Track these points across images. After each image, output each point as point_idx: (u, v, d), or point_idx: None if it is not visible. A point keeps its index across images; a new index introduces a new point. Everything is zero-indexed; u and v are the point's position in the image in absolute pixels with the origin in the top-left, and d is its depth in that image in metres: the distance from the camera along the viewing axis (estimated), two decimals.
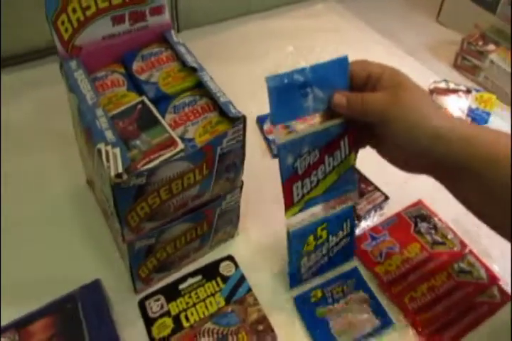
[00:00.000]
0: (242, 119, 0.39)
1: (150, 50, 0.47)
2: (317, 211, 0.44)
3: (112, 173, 0.34)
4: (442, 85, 0.77)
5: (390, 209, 0.58)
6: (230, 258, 0.50)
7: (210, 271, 0.48)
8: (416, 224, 0.55)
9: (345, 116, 0.39)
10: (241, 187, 0.47)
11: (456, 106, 0.73)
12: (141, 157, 0.37)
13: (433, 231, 0.54)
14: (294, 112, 0.38)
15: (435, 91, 0.76)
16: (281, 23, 0.90)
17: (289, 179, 0.39)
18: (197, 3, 0.86)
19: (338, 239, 0.46)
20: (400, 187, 0.59)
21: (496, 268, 0.52)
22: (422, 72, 0.81)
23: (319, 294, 0.46)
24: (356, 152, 0.43)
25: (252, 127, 0.67)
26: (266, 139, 0.65)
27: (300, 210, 0.41)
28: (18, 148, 0.61)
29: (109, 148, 0.36)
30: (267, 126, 0.66)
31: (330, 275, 0.49)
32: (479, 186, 0.36)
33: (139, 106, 0.42)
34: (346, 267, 0.50)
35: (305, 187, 0.40)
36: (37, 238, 0.52)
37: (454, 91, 0.76)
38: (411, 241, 0.53)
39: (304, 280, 0.47)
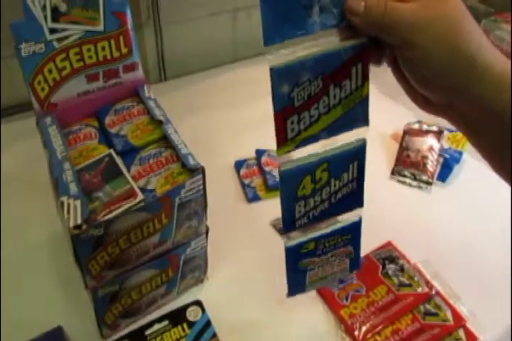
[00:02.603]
0: (201, 170, 0.42)
1: (123, 104, 0.50)
2: (317, 148, 0.36)
3: (71, 224, 0.36)
4: (416, 126, 0.80)
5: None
6: (197, 303, 0.51)
7: (176, 317, 0.49)
8: (384, 266, 0.56)
9: (361, 34, 0.31)
10: (207, 234, 0.48)
11: (429, 146, 0.76)
12: (102, 208, 0.40)
13: (400, 273, 0.55)
14: (294, 28, 0.30)
15: (408, 132, 0.79)
16: (267, 70, 0.94)
17: (283, 111, 0.32)
18: (183, 53, 0.91)
19: (342, 183, 0.39)
20: (370, 228, 0.61)
21: (464, 310, 0.53)
22: (399, 113, 0.83)
23: (311, 246, 0.41)
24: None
25: (230, 172, 0.70)
26: (242, 184, 0.67)
27: (296, 147, 0.34)
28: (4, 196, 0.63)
29: (71, 200, 0.38)
30: (243, 171, 0.69)
31: (330, 227, 0.42)
32: None
33: (106, 158, 0.44)
34: (351, 218, 0.42)
35: (302, 122, 0.33)
36: (11, 282, 0.53)
37: (427, 132, 0.79)
38: (378, 284, 0.54)
39: (299, 227, 0.40)
